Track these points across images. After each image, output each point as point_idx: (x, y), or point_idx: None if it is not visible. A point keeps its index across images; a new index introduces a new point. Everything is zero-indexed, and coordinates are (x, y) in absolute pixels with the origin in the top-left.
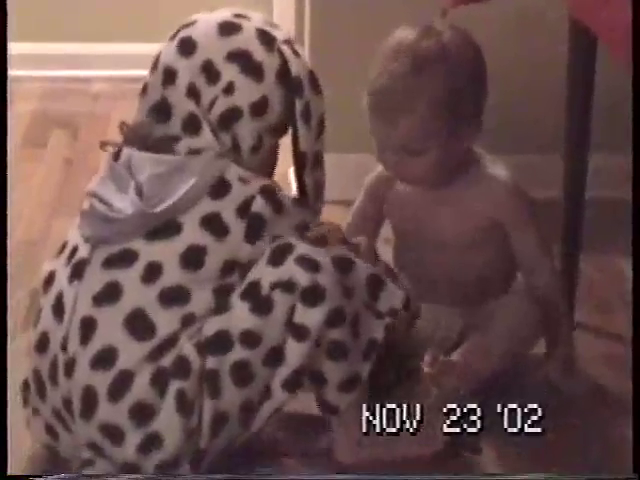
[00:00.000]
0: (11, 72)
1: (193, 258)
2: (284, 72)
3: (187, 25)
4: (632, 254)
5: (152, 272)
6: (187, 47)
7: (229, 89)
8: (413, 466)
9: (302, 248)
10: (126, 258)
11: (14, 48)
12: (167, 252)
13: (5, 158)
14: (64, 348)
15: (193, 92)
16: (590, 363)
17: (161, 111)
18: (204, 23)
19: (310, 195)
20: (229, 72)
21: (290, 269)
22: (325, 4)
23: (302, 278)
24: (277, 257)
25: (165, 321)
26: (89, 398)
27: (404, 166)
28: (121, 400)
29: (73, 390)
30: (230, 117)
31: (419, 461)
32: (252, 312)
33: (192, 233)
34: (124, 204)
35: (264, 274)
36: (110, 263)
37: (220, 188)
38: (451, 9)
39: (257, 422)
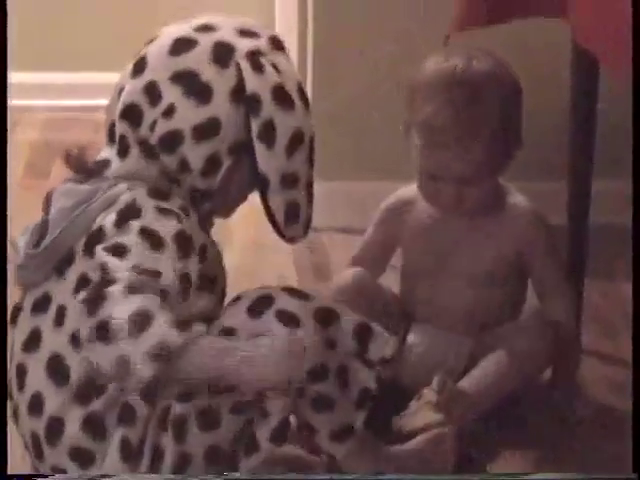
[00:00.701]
0: (13, 102)
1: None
2: (239, 90)
3: (150, 41)
4: (632, 274)
5: (60, 314)
6: (138, 66)
7: (169, 112)
8: None
9: (283, 301)
10: (44, 302)
11: (16, 77)
12: (65, 291)
13: (5, 157)
14: (10, 395)
15: (130, 113)
16: (594, 388)
17: (111, 133)
18: (163, 39)
19: (279, 220)
20: (171, 94)
21: (269, 323)
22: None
23: (281, 334)
24: (256, 309)
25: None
26: (34, 443)
27: (460, 198)
28: (59, 445)
29: (26, 434)
30: (171, 140)
31: None
32: None
33: (82, 263)
34: (22, 246)
35: (240, 323)
36: (35, 308)
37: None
38: (452, 35)
39: (243, 471)
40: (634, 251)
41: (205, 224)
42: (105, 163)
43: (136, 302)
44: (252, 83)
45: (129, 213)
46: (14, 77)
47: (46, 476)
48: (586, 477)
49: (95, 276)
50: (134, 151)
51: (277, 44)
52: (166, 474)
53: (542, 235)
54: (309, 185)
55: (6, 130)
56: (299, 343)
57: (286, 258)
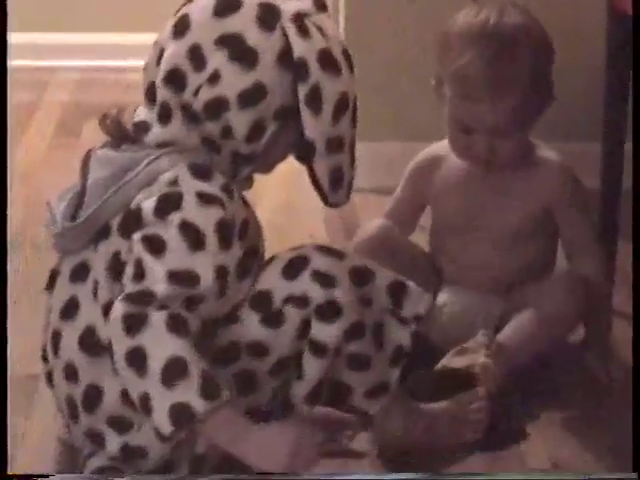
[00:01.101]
0: (44, 62)
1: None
2: (285, 54)
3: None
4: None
5: (95, 287)
6: (180, 27)
7: (214, 77)
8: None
9: (318, 261)
10: (82, 271)
11: (45, 38)
12: (100, 264)
13: (5, 158)
14: (45, 358)
15: (173, 78)
16: (626, 349)
17: (150, 94)
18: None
19: (324, 186)
20: (216, 59)
21: (304, 284)
22: None
23: (317, 294)
24: (291, 270)
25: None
26: (71, 406)
27: (492, 151)
28: (97, 411)
29: (60, 396)
30: (216, 107)
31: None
32: (262, 324)
33: (117, 241)
34: (59, 216)
35: (276, 286)
36: (73, 276)
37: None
38: None
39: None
40: (634, 251)
41: (245, 186)
42: (144, 126)
43: (172, 347)
44: (299, 48)
45: (170, 202)
46: (43, 38)
47: (46, 476)
48: (586, 477)
49: (130, 269)
50: (176, 117)
51: (321, 5)
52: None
53: (571, 191)
54: (352, 147)
55: (6, 129)
56: (308, 437)
57: (317, 218)
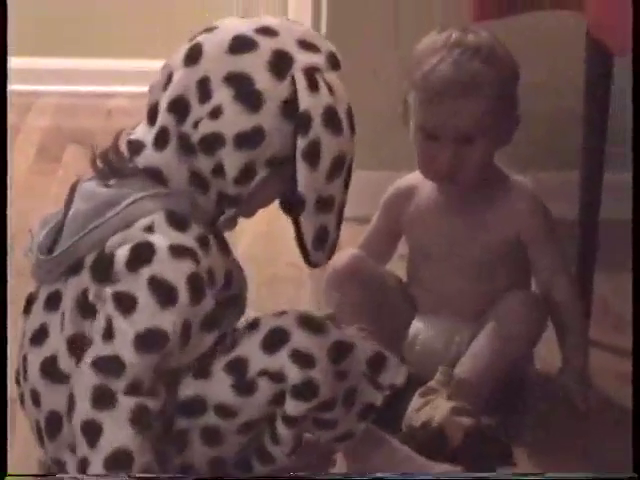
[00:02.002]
0: (26, 87)
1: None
2: (291, 104)
3: (208, 30)
4: (632, 269)
5: (62, 318)
6: (193, 56)
7: (216, 113)
8: None
9: (298, 338)
10: (55, 300)
11: (28, 63)
12: (67, 297)
13: (5, 161)
14: (18, 381)
15: (177, 106)
16: (604, 379)
17: (152, 116)
18: (221, 33)
19: (308, 243)
20: (221, 95)
21: (282, 361)
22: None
23: (294, 374)
24: (271, 344)
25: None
26: (38, 431)
27: (457, 161)
28: (59, 438)
29: (31, 420)
30: (212, 142)
31: None
32: (232, 388)
33: (86, 280)
34: (36, 246)
35: (254, 356)
36: (47, 303)
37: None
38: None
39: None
40: (634, 249)
41: (229, 227)
42: (139, 146)
43: (126, 438)
44: (305, 101)
45: (141, 254)
46: (26, 62)
47: (46, 476)
48: (586, 477)
49: (100, 323)
50: (172, 145)
51: (334, 62)
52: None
53: (540, 220)
54: (341, 209)
55: (6, 131)
56: None
57: (296, 247)
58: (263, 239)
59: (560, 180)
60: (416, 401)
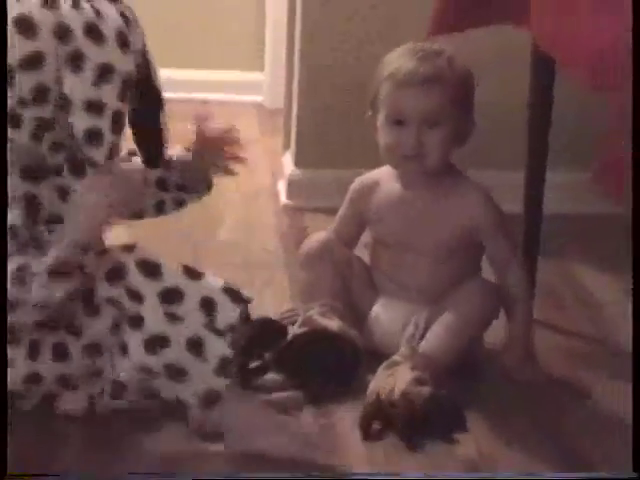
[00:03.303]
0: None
1: None
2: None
3: None
4: (632, 265)
5: None
6: None
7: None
8: None
9: (132, 275)
10: None
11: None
12: None
13: (5, 161)
14: None
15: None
16: (547, 355)
17: None
18: None
19: (79, 141)
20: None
21: (121, 294)
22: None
23: (128, 305)
24: (113, 277)
25: None
26: None
27: (420, 139)
28: None
29: None
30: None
31: None
32: (84, 311)
33: None
34: None
35: (101, 286)
36: None
37: None
38: (430, 37)
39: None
40: (634, 249)
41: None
42: None
43: None
44: (67, 16)
45: None
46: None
47: (46, 476)
48: (586, 477)
49: None
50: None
51: None
52: None
53: (494, 214)
54: (117, 117)
55: (6, 125)
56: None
57: (271, 233)
58: (242, 227)
59: (507, 178)
60: (381, 372)
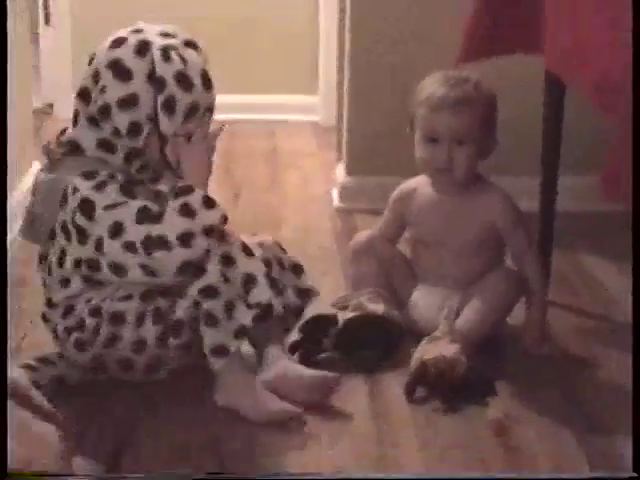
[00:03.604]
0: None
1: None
2: (151, 74)
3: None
4: (632, 256)
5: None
6: (90, 60)
7: (103, 89)
8: None
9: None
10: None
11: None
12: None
13: (5, 159)
14: None
15: (82, 94)
16: (562, 332)
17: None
18: (108, 39)
19: (172, 163)
20: (106, 77)
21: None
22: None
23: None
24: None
25: None
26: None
27: (451, 154)
28: None
29: None
30: (104, 111)
31: None
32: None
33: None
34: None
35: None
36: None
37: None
38: (460, 65)
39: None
40: (634, 249)
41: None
42: (64, 131)
43: None
44: (159, 68)
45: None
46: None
47: (46, 476)
48: (586, 477)
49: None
50: (82, 122)
51: (190, 43)
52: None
53: (509, 210)
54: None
55: (6, 128)
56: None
57: (326, 234)
58: (301, 229)
59: (525, 182)
60: (424, 345)
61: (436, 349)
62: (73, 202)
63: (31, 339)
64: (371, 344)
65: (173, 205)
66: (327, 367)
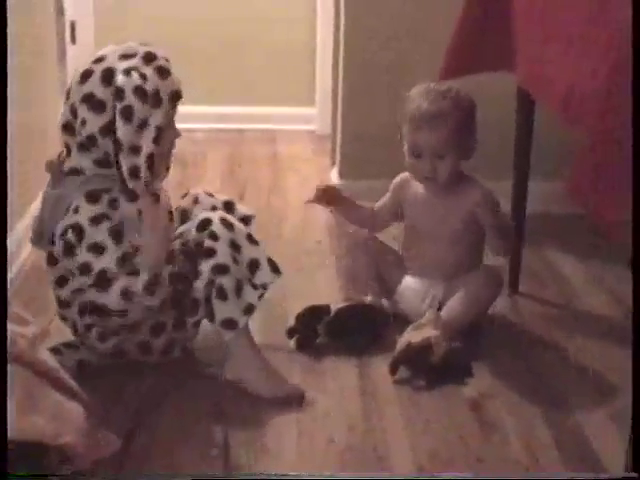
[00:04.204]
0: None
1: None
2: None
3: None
4: (632, 269)
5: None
6: (66, 93)
7: (83, 123)
8: None
9: (215, 227)
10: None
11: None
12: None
13: (5, 158)
14: None
15: (66, 128)
16: (532, 320)
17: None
18: (76, 73)
19: (125, 176)
20: (82, 111)
21: (204, 236)
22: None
23: (207, 243)
24: (201, 227)
25: None
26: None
27: (435, 170)
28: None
29: None
30: (90, 140)
31: None
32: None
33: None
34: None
35: (189, 234)
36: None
37: None
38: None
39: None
40: (634, 249)
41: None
42: (63, 156)
43: None
44: (119, 81)
45: (75, 233)
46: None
47: (46, 476)
48: (586, 477)
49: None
50: (74, 150)
51: (149, 58)
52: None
53: (489, 202)
54: (150, 157)
55: (6, 131)
56: None
57: (322, 230)
58: (300, 225)
59: (499, 186)
60: (410, 330)
61: (421, 334)
62: (69, 220)
63: (58, 323)
64: (359, 330)
65: (119, 283)
66: (322, 350)
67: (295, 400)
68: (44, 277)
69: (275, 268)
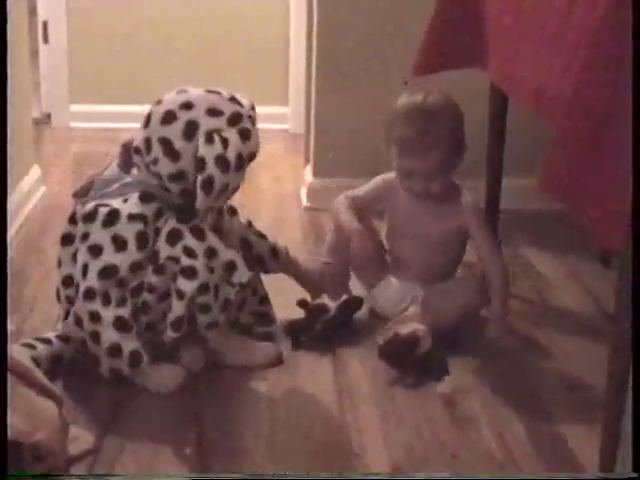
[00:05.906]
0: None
1: None
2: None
3: (159, 102)
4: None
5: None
6: (146, 121)
7: (155, 161)
8: None
9: (188, 240)
10: (69, 237)
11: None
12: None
13: (5, 161)
14: None
15: (137, 151)
16: (521, 324)
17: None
18: (161, 106)
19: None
20: (157, 150)
21: (179, 252)
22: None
23: (184, 261)
24: (171, 239)
25: None
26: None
27: (427, 188)
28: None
29: None
30: (157, 176)
31: None
32: (152, 272)
33: None
34: None
35: (163, 248)
36: (64, 239)
37: None
38: (412, 78)
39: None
40: (634, 248)
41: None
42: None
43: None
44: (201, 150)
45: (112, 216)
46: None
47: (46, 476)
48: (586, 477)
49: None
50: (143, 171)
51: (234, 120)
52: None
53: (477, 216)
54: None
55: (6, 126)
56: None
57: (296, 229)
58: (274, 223)
59: (473, 184)
60: (393, 324)
61: (408, 326)
62: (115, 202)
63: (32, 322)
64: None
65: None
66: (296, 347)
67: (274, 361)
68: (17, 275)
69: (249, 265)
